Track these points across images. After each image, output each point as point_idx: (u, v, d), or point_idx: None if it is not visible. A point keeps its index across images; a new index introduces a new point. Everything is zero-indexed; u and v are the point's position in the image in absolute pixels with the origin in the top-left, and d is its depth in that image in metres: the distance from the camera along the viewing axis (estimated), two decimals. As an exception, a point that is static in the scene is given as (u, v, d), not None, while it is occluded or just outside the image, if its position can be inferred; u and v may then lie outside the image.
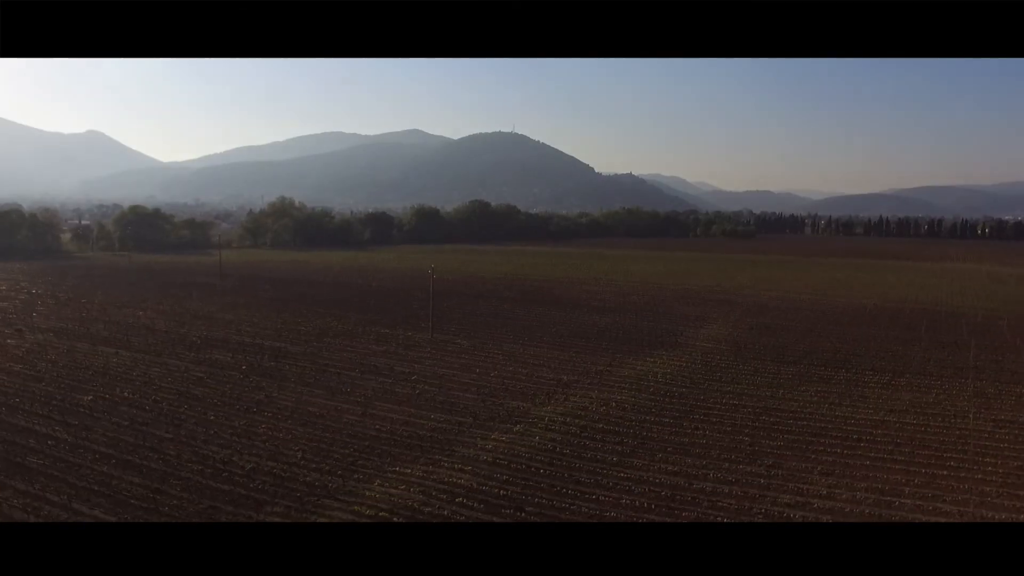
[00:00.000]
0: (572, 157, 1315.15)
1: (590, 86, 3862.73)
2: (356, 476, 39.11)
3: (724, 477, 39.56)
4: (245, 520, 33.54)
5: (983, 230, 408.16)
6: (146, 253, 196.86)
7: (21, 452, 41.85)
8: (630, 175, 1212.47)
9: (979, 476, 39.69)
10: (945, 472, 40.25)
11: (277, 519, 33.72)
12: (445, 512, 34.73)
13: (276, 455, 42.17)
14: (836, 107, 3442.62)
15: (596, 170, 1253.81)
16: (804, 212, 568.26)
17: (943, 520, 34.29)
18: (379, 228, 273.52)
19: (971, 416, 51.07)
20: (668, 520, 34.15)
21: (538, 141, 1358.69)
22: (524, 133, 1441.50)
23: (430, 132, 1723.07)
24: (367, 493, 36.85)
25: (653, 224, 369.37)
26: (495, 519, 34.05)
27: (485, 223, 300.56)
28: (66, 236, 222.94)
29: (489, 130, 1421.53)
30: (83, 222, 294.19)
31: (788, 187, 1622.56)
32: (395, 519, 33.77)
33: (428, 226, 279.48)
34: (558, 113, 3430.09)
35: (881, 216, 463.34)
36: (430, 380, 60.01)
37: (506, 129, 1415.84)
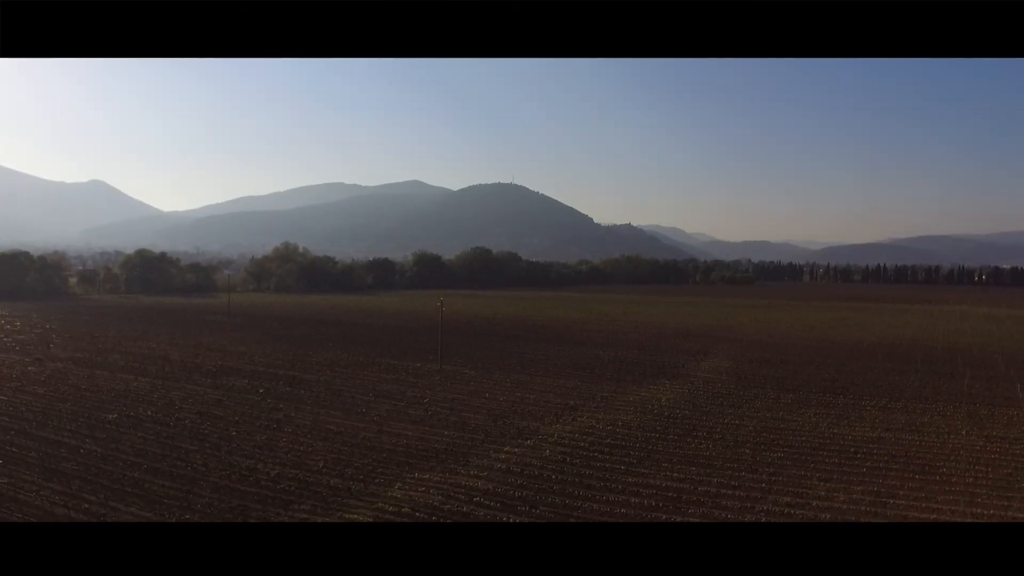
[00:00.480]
0: (571, 207, 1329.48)
1: (588, 138, 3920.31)
2: (377, 481, 41.03)
3: (727, 482, 41.48)
4: (274, 516, 35.42)
5: (980, 276, 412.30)
6: (152, 296, 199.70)
7: (54, 460, 43.78)
8: (629, 225, 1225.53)
9: (970, 480, 41.67)
10: (937, 478, 42.20)
11: (304, 515, 35.60)
12: (464, 509, 36.65)
13: (299, 464, 44.10)
14: (833, 158, 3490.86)
15: (595, 220, 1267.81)
16: (802, 261, 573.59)
17: (935, 517, 36.19)
18: (381, 274, 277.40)
19: (964, 433, 53.06)
20: (675, 517, 36.04)
21: (537, 192, 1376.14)
22: (523, 184, 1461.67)
23: (430, 183, 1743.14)
24: (389, 494, 38.74)
25: (653, 272, 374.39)
26: (511, 516, 35.93)
27: (486, 270, 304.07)
28: (73, 279, 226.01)
29: (489, 181, 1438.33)
30: (87, 267, 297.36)
31: (786, 237, 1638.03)
32: (417, 514, 35.68)
33: (429, 272, 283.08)
34: (557, 164, 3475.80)
35: (879, 264, 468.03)
36: (441, 403, 62.02)
37: (505, 180, 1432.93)
